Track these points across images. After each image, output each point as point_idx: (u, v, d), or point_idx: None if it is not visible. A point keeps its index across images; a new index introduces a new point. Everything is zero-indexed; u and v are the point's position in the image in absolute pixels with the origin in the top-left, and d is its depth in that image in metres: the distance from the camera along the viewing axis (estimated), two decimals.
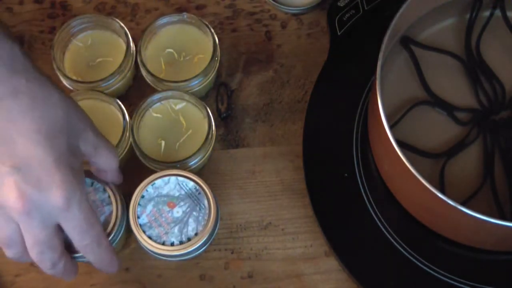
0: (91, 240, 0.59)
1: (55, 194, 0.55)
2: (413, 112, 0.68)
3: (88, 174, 0.64)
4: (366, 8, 0.74)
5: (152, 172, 0.68)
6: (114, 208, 0.64)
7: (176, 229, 0.65)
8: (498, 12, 0.71)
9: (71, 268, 0.61)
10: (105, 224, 0.64)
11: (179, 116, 0.70)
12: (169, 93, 0.70)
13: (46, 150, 0.55)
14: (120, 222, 0.64)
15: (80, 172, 0.59)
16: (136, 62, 0.72)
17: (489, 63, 0.70)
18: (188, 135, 0.70)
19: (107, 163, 0.62)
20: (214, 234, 0.67)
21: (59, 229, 0.58)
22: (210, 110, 0.69)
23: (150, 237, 0.65)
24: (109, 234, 0.63)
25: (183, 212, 0.65)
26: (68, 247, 0.61)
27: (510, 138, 0.67)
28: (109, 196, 0.65)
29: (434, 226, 0.66)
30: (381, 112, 0.60)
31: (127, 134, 0.69)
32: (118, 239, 0.65)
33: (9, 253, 0.59)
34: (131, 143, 0.69)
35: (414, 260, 0.67)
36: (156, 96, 0.70)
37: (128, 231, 0.67)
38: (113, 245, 0.64)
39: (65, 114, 0.57)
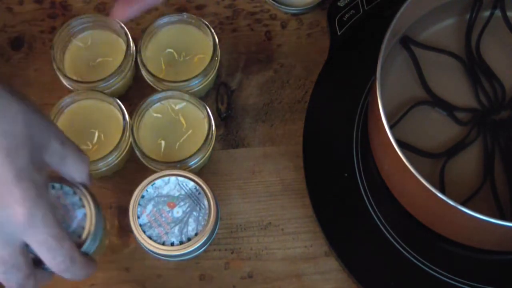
0: (63, 257, 0.55)
1: (16, 211, 0.52)
2: (413, 112, 0.68)
3: (56, 177, 0.59)
4: (366, 8, 0.74)
5: (152, 172, 0.68)
6: (87, 210, 0.59)
7: (176, 229, 0.65)
8: (498, 12, 0.71)
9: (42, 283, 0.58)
10: (78, 230, 0.59)
11: (179, 116, 0.70)
12: (169, 93, 0.70)
13: (5, 167, 0.52)
14: (96, 224, 0.60)
15: (44, 186, 0.54)
16: (136, 62, 0.72)
17: (489, 63, 0.70)
18: (188, 135, 0.70)
19: (77, 172, 0.59)
20: (214, 234, 0.67)
21: (26, 247, 0.54)
22: (210, 110, 0.69)
23: (150, 237, 0.65)
24: (84, 241, 0.59)
25: (183, 212, 0.65)
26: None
27: (510, 138, 0.67)
28: (80, 199, 0.60)
29: (434, 226, 0.66)
30: (381, 112, 0.60)
31: (127, 134, 0.69)
32: (97, 243, 0.60)
33: None
34: (131, 143, 0.69)
35: (414, 260, 0.67)
36: (156, 96, 0.70)
37: (105, 233, 0.63)
38: (92, 251, 0.60)
39: (25, 127, 0.53)
